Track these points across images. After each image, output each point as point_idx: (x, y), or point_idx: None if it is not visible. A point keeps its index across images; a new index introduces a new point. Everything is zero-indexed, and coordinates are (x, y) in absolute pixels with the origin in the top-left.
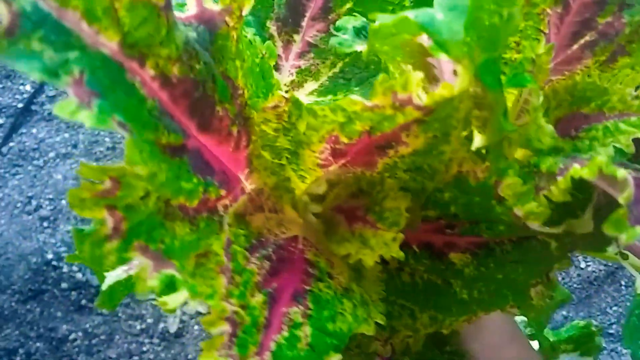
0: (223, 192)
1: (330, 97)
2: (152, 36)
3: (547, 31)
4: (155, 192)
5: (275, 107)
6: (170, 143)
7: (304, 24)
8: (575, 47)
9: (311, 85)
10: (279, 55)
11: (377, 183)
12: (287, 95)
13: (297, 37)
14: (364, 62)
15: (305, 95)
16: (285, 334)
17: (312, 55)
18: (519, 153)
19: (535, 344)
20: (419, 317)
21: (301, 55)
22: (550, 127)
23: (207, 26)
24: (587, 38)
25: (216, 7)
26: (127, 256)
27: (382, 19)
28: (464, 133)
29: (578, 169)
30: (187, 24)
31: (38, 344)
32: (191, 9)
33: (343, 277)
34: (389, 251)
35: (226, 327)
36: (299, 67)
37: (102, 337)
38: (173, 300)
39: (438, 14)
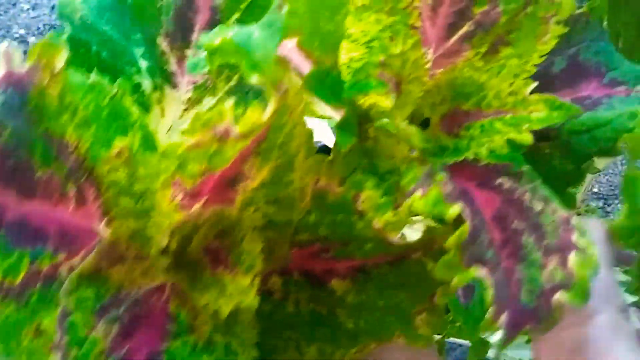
0: (63, 256)
1: None
2: None
3: (419, 25)
4: None
5: (119, 153)
6: None
7: (194, 38)
8: (454, 38)
9: (209, 101)
10: (173, 72)
11: (236, 222)
12: (125, 142)
13: (189, 52)
14: None
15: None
16: None
17: (207, 69)
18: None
19: None
20: (306, 351)
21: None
22: (413, 129)
23: (17, 88)
24: (465, 29)
25: (25, 67)
26: None
27: (210, 38)
28: (310, 161)
29: (415, 199)
30: None
31: None
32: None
33: (207, 327)
34: (245, 299)
35: None
36: (195, 82)
37: None
38: None
39: (256, 31)
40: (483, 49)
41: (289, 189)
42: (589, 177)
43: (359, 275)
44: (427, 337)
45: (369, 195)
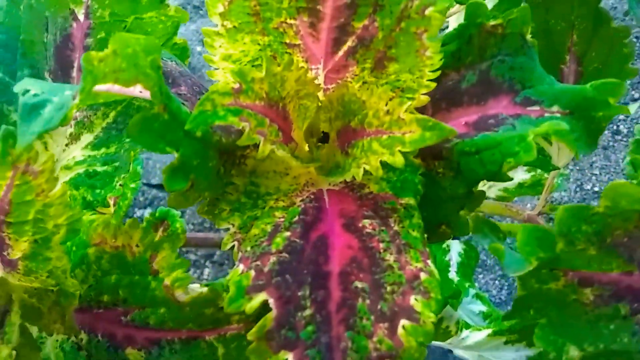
0: None
1: (103, 150)
2: None
3: (298, 42)
4: None
5: None
6: None
7: (74, 74)
8: (340, 54)
9: (87, 137)
10: None
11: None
12: None
13: None
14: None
15: (80, 148)
16: None
17: (85, 106)
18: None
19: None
20: None
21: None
22: (287, 153)
23: None
24: (349, 44)
25: None
26: None
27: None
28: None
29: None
30: None
31: None
32: None
33: None
34: None
35: None
36: (76, 118)
37: None
38: None
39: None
40: (368, 64)
41: (49, 265)
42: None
43: (154, 350)
44: None
45: (165, 255)
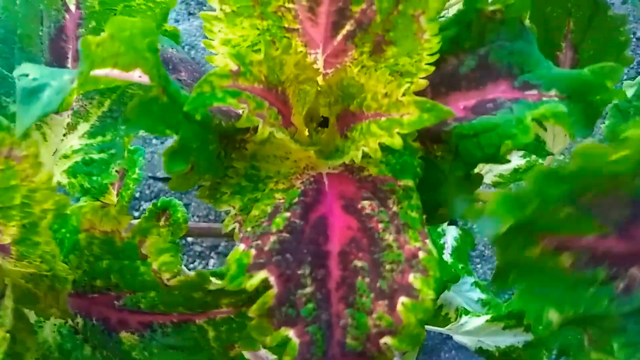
0: None
1: (99, 138)
2: None
3: (297, 26)
4: None
5: None
6: None
7: (69, 65)
8: (339, 38)
9: (83, 126)
10: None
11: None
12: None
13: None
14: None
15: (77, 137)
16: None
17: (80, 95)
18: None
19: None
20: None
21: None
22: (286, 136)
23: None
24: (347, 28)
25: None
26: None
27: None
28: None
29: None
30: None
31: None
32: None
33: None
34: None
35: None
36: (73, 108)
37: None
38: None
39: None
40: (366, 48)
41: (38, 249)
42: None
43: (147, 333)
44: None
45: (154, 240)
